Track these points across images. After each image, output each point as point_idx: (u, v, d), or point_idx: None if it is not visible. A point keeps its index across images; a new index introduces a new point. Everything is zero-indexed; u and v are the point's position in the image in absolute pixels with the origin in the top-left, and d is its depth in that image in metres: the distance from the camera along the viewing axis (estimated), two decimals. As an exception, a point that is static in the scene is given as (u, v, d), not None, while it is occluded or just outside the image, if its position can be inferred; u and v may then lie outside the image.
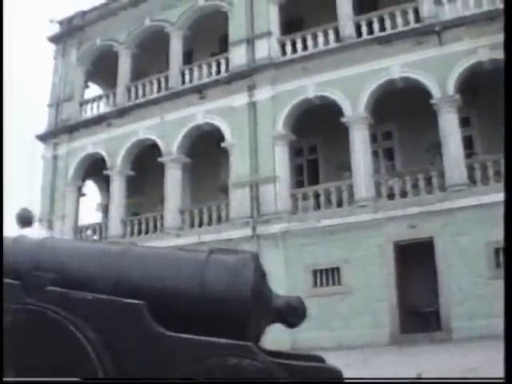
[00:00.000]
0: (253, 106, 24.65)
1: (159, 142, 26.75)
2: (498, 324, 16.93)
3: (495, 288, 18.60)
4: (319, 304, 20.77)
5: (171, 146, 26.24)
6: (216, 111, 25.47)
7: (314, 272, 22.07)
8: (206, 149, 26.17)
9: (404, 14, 23.32)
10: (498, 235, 18.42)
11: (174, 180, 26.09)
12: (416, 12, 23.13)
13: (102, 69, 31.24)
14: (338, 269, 21.74)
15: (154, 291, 5.97)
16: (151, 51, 29.38)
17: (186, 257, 6.73)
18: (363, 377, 7.53)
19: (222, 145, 25.11)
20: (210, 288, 5.95)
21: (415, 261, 20.48)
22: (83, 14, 32.24)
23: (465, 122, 22.79)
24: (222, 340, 5.48)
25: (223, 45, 27.38)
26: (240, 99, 24.95)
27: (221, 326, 5.69)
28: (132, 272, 6.18)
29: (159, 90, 27.88)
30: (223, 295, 5.89)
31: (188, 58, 29.04)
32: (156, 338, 5.64)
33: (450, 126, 21.39)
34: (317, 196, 23.16)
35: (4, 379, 5.37)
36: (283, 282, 21.38)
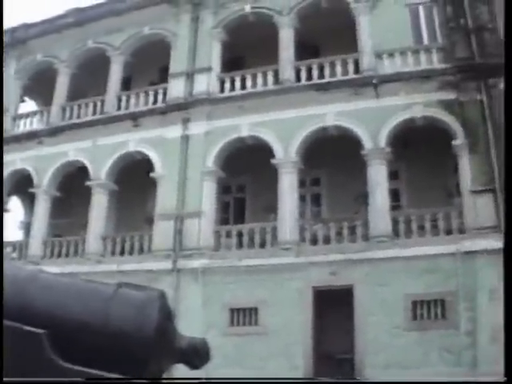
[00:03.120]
0: (186, 139, 24.59)
1: (89, 165, 26.32)
2: (413, 375, 17.42)
3: (411, 339, 19.15)
4: (235, 343, 20.87)
5: (100, 170, 25.87)
6: (148, 141, 25.29)
7: (232, 310, 21.95)
8: (135, 177, 25.81)
9: (344, 63, 23.82)
10: (417, 288, 19.07)
11: (99, 205, 25.68)
12: (356, 63, 23.69)
13: (39, 85, 30.70)
14: (255, 309, 21.69)
15: (57, 321, 5.86)
16: (91, 73, 29.04)
17: (92, 289, 6.63)
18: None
19: (151, 175, 24.88)
20: (114, 324, 5.87)
21: (334, 307, 20.63)
22: (27, 26, 31.73)
23: (393, 175, 23.23)
24: (116, 376, 5.42)
25: (163, 75, 27.29)
26: (174, 131, 24.87)
27: (121, 362, 5.63)
28: (38, 299, 6.04)
29: (94, 113, 27.50)
30: (126, 332, 5.82)
31: (127, 84, 28.84)
32: (52, 368, 5.53)
33: (378, 177, 21.82)
34: (240, 235, 23.09)
35: (4, 379, 5.27)
36: (200, 318, 21.51)
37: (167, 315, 6.23)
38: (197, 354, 6.26)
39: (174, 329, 6.28)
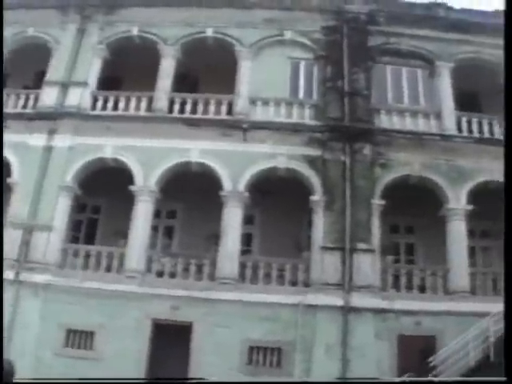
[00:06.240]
0: (48, 150, 23.74)
1: None
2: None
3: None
4: (68, 365, 20.25)
5: (-46, 169, 24.63)
6: (11, 145, 23.80)
7: (68, 331, 21.28)
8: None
9: (218, 103, 24.13)
10: (256, 334, 19.41)
11: None
12: (229, 105, 24.03)
13: None
14: (92, 333, 21.20)
15: None
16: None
17: None
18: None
19: (7, 180, 23.78)
20: None
21: (173, 341, 20.66)
22: None
23: (249, 219, 23.74)
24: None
25: (38, 80, 26.41)
26: (38, 140, 23.91)
27: None
28: None
29: (-40, 108, 26.36)
30: None
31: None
32: None
33: (232, 220, 22.14)
34: (88, 256, 22.60)
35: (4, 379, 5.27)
36: (35, 335, 20.84)
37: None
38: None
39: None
